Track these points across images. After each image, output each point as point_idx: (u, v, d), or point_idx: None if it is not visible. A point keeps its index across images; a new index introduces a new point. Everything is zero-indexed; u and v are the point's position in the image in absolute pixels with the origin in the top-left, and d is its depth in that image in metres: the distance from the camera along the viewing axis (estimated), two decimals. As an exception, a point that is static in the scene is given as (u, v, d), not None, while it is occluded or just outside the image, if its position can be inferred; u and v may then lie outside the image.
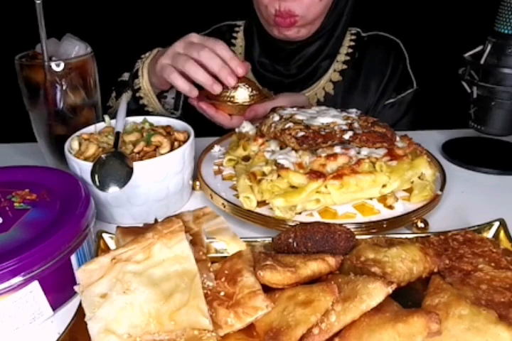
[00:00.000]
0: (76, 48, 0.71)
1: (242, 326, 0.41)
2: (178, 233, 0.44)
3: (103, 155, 0.58)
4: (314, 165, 0.61)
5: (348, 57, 1.04)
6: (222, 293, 0.43)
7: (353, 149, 0.63)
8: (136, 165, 0.58)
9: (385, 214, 0.59)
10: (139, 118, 0.71)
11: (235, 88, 0.80)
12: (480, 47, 0.77)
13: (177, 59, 0.77)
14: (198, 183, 0.70)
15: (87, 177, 0.57)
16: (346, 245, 0.49)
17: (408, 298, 0.44)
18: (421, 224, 0.59)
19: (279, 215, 0.57)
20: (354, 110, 0.72)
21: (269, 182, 0.60)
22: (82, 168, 0.59)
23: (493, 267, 0.45)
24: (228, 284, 0.43)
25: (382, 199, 0.61)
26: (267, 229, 0.58)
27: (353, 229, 0.52)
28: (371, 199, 0.61)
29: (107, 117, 0.71)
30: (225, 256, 0.50)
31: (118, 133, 0.64)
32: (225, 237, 0.52)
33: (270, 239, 0.53)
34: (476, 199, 0.69)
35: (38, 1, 0.64)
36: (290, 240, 0.49)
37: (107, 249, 0.52)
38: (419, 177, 0.65)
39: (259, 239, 0.54)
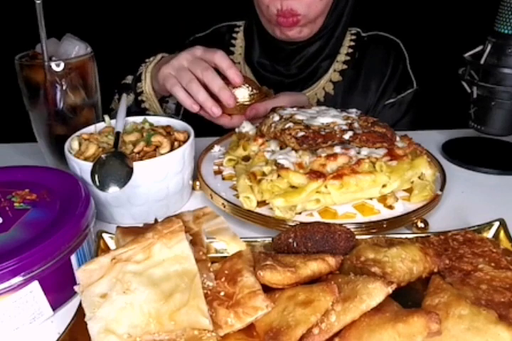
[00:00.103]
0: (76, 48, 0.71)
1: (242, 326, 0.41)
2: (178, 233, 0.44)
3: (103, 155, 0.58)
4: (314, 165, 0.61)
5: (348, 57, 1.04)
6: (222, 293, 0.43)
7: (353, 149, 0.63)
8: (136, 165, 0.58)
9: (385, 214, 0.59)
10: (139, 118, 0.72)
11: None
12: (480, 47, 0.77)
13: (181, 74, 0.78)
14: (198, 183, 0.70)
15: (87, 177, 0.57)
16: (346, 245, 0.49)
17: (408, 298, 0.44)
18: (421, 224, 0.59)
19: (279, 215, 0.57)
20: (354, 110, 0.72)
21: (269, 182, 0.60)
22: (82, 168, 0.59)
23: (493, 267, 0.45)
24: (228, 284, 0.43)
25: (382, 199, 0.61)
26: (267, 229, 0.58)
27: (353, 229, 0.52)
28: (371, 199, 0.61)
29: (107, 117, 0.71)
30: (225, 256, 0.50)
31: (118, 133, 0.64)
32: (225, 237, 0.52)
33: (270, 239, 0.53)
34: (476, 199, 0.69)
35: (38, 1, 0.64)
36: (290, 240, 0.49)
37: (107, 249, 0.52)
38: (419, 177, 0.65)
39: (259, 239, 0.54)
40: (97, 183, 0.56)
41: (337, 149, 0.63)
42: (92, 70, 0.73)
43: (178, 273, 0.42)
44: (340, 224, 0.50)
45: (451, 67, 0.85)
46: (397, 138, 0.67)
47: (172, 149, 0.63)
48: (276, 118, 0.69)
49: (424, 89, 1.08)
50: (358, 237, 0.50)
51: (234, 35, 1.09)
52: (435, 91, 1.41)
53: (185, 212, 0.54)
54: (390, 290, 0.39)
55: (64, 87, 0.69)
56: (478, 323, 0.37)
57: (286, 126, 0.64)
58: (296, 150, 0.64)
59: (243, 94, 0.82)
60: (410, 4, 1.82)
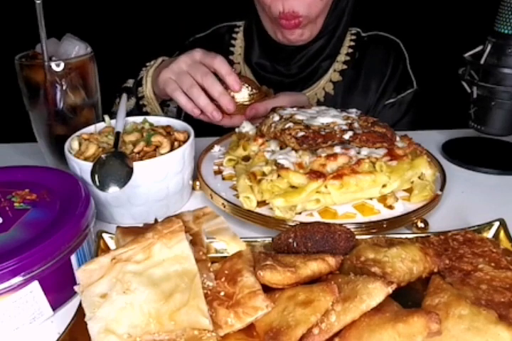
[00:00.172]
0: (76, 48, 0.71)
1: (242, 326, 0.41)
2: (178, 233, 0.44)
3: (103, 155, 0.58)
4: (314, 165, 0.61)
5: (348, 57, 1.04)
6: (222, 293, 0.43)
7: (353, 149, 0.63)
8: (136, 165, 0.58)
9: (385, 214, 0.59)
10: (139, 118, 0.72)
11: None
12: (480, 47, 0.77)
13: (181, 78, 0.79)
14: (198, 183, 0.70)
15: (87, 177, 0.57)
16: (346, 245, 0.49)
17: (408, 298, 0.44)
18: (421, 224, 0.59)
19: (279, 215, 0.57)
20: (354, 110, 0.72)
21: (269, 182, 0.60)
22: (82, 168, 0.59)
23: (493, 267, 0.45)
24: (228, 284, 0.43)
25: (382, 199, 0.61)
26: (267, 229, 0.58)
27: (353, 229, 0.52)
28: (371, 199, 0.61)
29: (107, 117, 0.71)
30: (225, 256, 0.50)
31: (118, 133, 0.64)
32: (225, 237, 0.52)
33: (270, 239, 0.53)
34: (476, 199, 0.69)
35: (38, 1, 0.64)
36: (290, 240, 0.49)
37: (107, 249, 0.52)
38: (419, 177, 0.65)
39: (259, 239, 0.54)
40: (97, 183, 0.56)
41: (337, 149, 0.63)
42: (92, 70, 0.73)
43: (178, 273, 0.42)
44: (340, 224, 0.50)
45: (451, 67, 0.85)
46: (397, 138, 0.67)
47: (172, 149, 0.63)
48: (276, 118, 0.69)
49: (424, 89, 1.08)
50: (358, 237, 0.50)
51: (234, 35, 1.09)
52: (435, 91, 1.41)
53: (185, 212, 0.54)
54: (390, 290, 0.39)
55: (64, 87, 0.69)
56: (478, 323, 0.37)
57: (286, 126, 0.64)
58: (296, 150, 0.64)
59: (243, 94, 0.82)
60: (410, 4, 1.82)
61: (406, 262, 0.45)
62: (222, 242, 0.52)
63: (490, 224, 0.54)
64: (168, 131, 0.67)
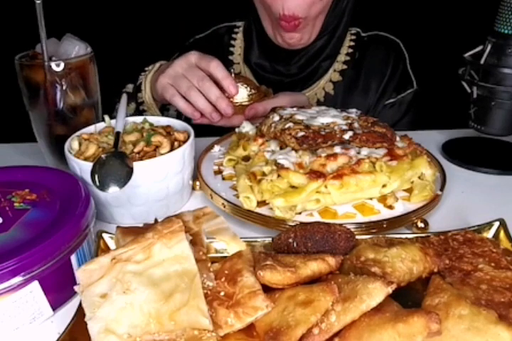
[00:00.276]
0: (76, 48, 0.71)
1: (242, 326, 0.41)
2: (178, 233, 0.44)
3: (103, 155, 0.58)
4: (314, 165, 0.61)
5: (348, 57, 1.04)
6: (222, 293, 0.43)
7: (353, 149, 0.63)
8: (136, 165, 0.58)
9: (385, 214, 0.59)
10: (139, 118, 0.72)
11: None
12: (480, 47, 0.77)
13: (178, 82, 0.79)
14: (198, 183, 0.70)
15: (87, 177, 0.57)
16: (346, 245, 0.49)
17: (408, 298, 0.44)
18: (421, 224, 0.59)
19: (279, 215, 0.57)
20: (354, 110, 0.72)
21: (269, 182, 0.60)
22: (82, 168, 0.59)
23: (493, 267, 0.45)
24: (228, 284, 0.43)
25: (382, 199, 0.61)
26: (267, 229, 0.58)
27: (353, 229, 0.52)
28: (371, 199, 0.61)
29: (107, 117, 0.71)
30: (225, 256, 0.50)
31: (118, 133, 0.64)
32: (225, 237, 0.52)
33: (270, 239, 0.53)
34: (476, 199, 0.69)
35: (38, 1, 0.64)
36: (290, 240, 0.49)
37: (107, 249, 0.52)
38: (419, 177, 0.64)
39: (259, 239, 0.54)
40: (97, 183, 0.56)
41: (337, 149, 0.63)
42: (92, 70, 0.73)
43: (178, 273, 0.42)
44: (340, 224, 0.50)
45: (451, 67, 0.85)
46: (397, 138, 0.67)
47: (172, 149, 0.63)
48: (276, 118, 0.69)
49: (424, 89, 1.08)
50: (358, 237, 0.50)
51: (233, 35, 1.09)
52: (435, 91, 1.41)
53: (185, 212, 0.54)
54: (390, 290, 0.39)
55: (64, 87, 0.69)
56: (478, 323, 0.37)
57: (286, 126, 0.64)
58: (296, 150, 0.64)
59: (242, 94, 0.82)
60: (410, 4, 1.82)
61: (406, 262, 0.45)
62: (222, 242, 0.52)
63: (490, 224, 0.54)
64: (168, 131, 0.67)
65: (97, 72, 0.75)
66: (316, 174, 0.59)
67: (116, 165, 0.57)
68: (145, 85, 0.89)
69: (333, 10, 0.96)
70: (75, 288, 0.43)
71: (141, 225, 0.53)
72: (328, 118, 0.67)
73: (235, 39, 1.08)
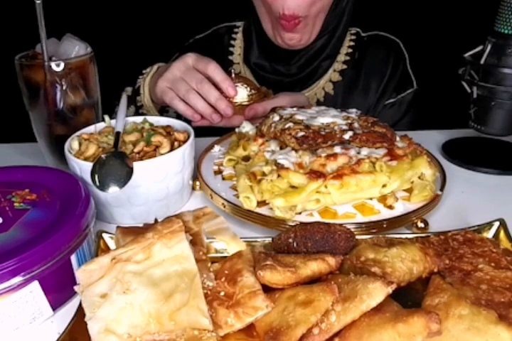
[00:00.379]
0: (76, 48, 0.71)
1: (242, 326, 0.41)
2: (178, 233, 0.44)
3: (103, 155, 0.58)
4: (314, 165, 0.61)
5: (347, 57, 1.04)
6: (222, 293, 0.43)
7: (353, 149, 0.63)
8: (136, 165, 0.58)
9: (385, 214, 0.59)
10: (139, 118, 0.72)
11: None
12: (480, 47, 0.77)
13: (177, 85, 0.80)
14: (198, 183, 0.70)
15: (87, 177, 0.57)
16: (346, 245, 0.49)
17: (408, 298, 0.44)
18: (421, 224, 0.59)
19: (279, 215, 0.57)
20: (354, 110, 0.72)
21: (269, 182, 0.60)
22: (82, 168, 0.59)
23: (493, 267, 0.45)
24: (228, 284, 0.43)
25: (382, 199, 0.61)
26: (267, 229, 0.58)
27: (353, 229, 0.52)
28: (371, 199, 0.61)
29: (107, 117, 0.71)
30: (225, 256, 0.50)
31: (118, 133, 0.64)
32: (225, 237, 0.52)
33: (270, 239, 0.53)
34: (476, 199, 0.69)
35: (38, 1, 0.64)
36: (290, 240, 0.49)
37: (107, 249, 0.52)
38: (419, 177, 0.64)
39: (259, 239, 0.54)
40: (97, 183, 0.56)
41: (337, 149, 0.63)
42: (92, 70, 0.73)
43: (178, 273, 0.42)
44: (340, 224, 0.50)
45: (451, 67, 0.85)
46: (397, 138, 0.67)
47: (172, 149, 0.63)
48: (276, 118, 0.69)
49: (424, 89, 1.08)
50: (358, 237, 0.50)
51: (233, 35, 1.09)
52: (435, 91, 1.41)
53: (185, 212, 0.54)
54: (390, 290, 0.39)
55: (64, 87, 0.69)
56: (478, 323, 0.37)
57: (286, 126, 0.64)
58: (296, 150, 0.64)
59: (242, 94, 0.82)
60: (410, 4, 1.82)
61: (406, 262, 0.45)
62: (222, 242, 0.52)
63: (490, 224, 0.54)
64: (168, 131, 0.67)
65: (97, 72, 0.75)
66: (316, 174, 0.59)
67: (116, 165, 0.57)
68: (143, 88, 0.90)
69: (333, 10, 0.96)
70: (75, 288, 0.43)
71: (141, 225, 0.53)
72: (328, 118, 0.67)
73: (234, 39, 1.08)
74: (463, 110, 0.82)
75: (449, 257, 0.47)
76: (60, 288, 0.48)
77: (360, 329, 0.38)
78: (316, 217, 0.59)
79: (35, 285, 0.45)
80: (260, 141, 0.69)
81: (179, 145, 0.63)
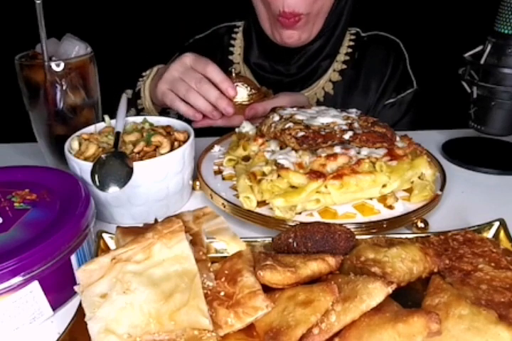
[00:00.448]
0: (76, 48, 0.71)
1: (242, 326, 0.41)
2: (178, 233, 0.44)
3: (103, 155, 0.58)
4: (314, 165, 0.61)
5: (347, 57, 1.04)
6: (222, 293, 0.43)
7: (353, 149, 0.63)
8: (136, 165, 0.58)
9: (385, 214, 0.59)
10: (139, 118, 0.72)
11: None
12: (480, 47, 0.77)
13: (176, 86, 0.80)
14: (198, 183, 0.70)
15: (87, 177, 0.57)
16: (346, 245, 0.49)
17: (408, 298, 0.44)
18: (421, 224, 0.59)
19: (279, 215, 0.57)
20: (354, 110, 0.72)
21: (269, 182, 0.60)
22: (82, 168, 0.59)
23: (493, 267, 0.45)
24: (228, 284, 0.43)
25: (382, 199, 0.61)
26: (267, 229, 0.58)
27: (353, 229, 0.52)
28: (371, 199, 0.61)
29: (107, 117, 0.71)
30: (225, 256, 0.50)
31: (118, 133, 0.64)
32: (225, 237, 0.52)
33: (270, 239, 0.53)
34: (476, 199, 0.69)
35: (38, 1, 0.64)
36: (290, 240, 0.49)
37: (107, 249, 0.52)
38: (419, 177, 0.64)
39: (259, 239, 0.54)
40: (97, 183, 0.56)
41: (337, 149, 0.63)
42: (92, 70, 0.73)
43: (178, 273, 0.42)
44: (340, 224, 0.50)
45: (451, 67, 0.85)
46: (397, 138, 0.67)
47: (172, 149, 0.63)
48: (276, 118, 0.69)
49: (424, 89, 1.08)
50: (358, 237, 0.50)
51: (233, 35, 1.09)
52: (435, 91, 1.41)
53: (185, 212, 0.54)
54: (390, 290, 0.39)
55: (64, 87, 0.69)
56: (478, 323, 0.37)
57: (286, 126, 0.64)
58: (296, 150, 0.64)
59: (242, 94, 0.82)
60: (410, 4, 1.82)
61: (406, 262, 0.45)
62: (222, 242, 0.52)
63: (490, 224, 0.54)
64: (168, 131, 0.67)
65: (97, 72, 0.75)
66: (316, 174, 0.59)
67: (116, 165, 0.57)
68: (144, 92, 0.90)
69: (333, 10, 0.96)
70: (75, 288, 0.43)
71: (141, 225, 0.53)
72: (328, 118, 0.67)
73: (234, 39, 1.08)
74: (463, 110, 0.82)
75: (449, 257, 0.47)
76: (60, 288, 0.48)
77: (360, 329, 0.38)
78: (316, 217, 0.59)
79: (35, 285, 0.45)
80: (260, 141, 0.69)
81: (179, 145, 0.63)
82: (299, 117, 0.67)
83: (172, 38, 1.21)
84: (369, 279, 0.40)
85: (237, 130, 0.77)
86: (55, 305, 0.48)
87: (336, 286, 0.40)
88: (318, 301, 0.40)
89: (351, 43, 1.05)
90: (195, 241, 0.49)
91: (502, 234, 0.53)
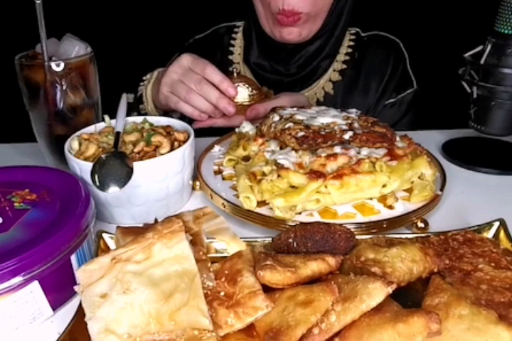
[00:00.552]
0: (76, 48, 0.71)
1: (242, 326, 0.41)
2: (178, 233, 0.44)
3: (103, 155, 0.58)
4: (314, 165, 0.61)
5: (347, 57, 1.04)
6: (222, 293, 0.43)
7: (353, 149, 0.63)
8: (136, 165, 0.58)
9: (385, 214, 0.59)
10: (139, 118, 0.72)
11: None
12: (480, 47, 0.77)
13: (177, 88, 0.81)
14: (198, 183, 0.70)
15: (87, 177, 0.57)
16: (346, 245, 0.49)
17: (408, 298, 0.44)
18: (421, 224, 0.59)
19: (279, 215, 0.57)
20: (354, 110, 0.72)
21: (269, 182, 0.60)
22: (82, 168, 0.59)
23: (493, 267, 0.45)
24: (228, 284, 0.43)
25: (382, 199, 0.61)
26: (267, 229, 0.58)
27: (353, 229, 0.52)
28: (371, 199, 0.61)
29: (107, 117, 0.71)
30: (225, 256, 0.50)
31: (118, 133, 0.64)
32: (225, 237, 0.52)
33: (270, 239, 0.53)
34: (476, 199, 0.69)
35: (38, 1, 0.64)
36: (290, 240, 0.49)
37: (107, 249, 0.52)
38: (419, 177, 0.64)
39: (259, 239, 0.54)
40: (97, 183, 0.56)
41: (337, 149, 0.63)
42: (92, 70, 0.73)
43: (178, 273, 0.42)
44: (340, 224, 0.50)
45: (451, 67, 0.85)
46: (397, 138, 0.67)
47: (172, 149, 0.63)
48: (276, 118, 0.69)
49: (424, 89, 1.08)
50: (358, 237, 0.50)
51: (233, 35, 1.09)
52: (435, 91, 1.41)
53: (185, 212, 0.54)
54: (390, 290, 0.39)
55: (64, 87, 0.69)
56: (478, 323, 0.37)
57: (286, 126, 0.64)
58: (296, 150, 0.64)
59: (243, 94, 0.82)
60: (410, 4, 1.82)
61: (406, 262, 0.45)
62: (222, 242, 0.52)
63: (490, 224, 0.54)
64: (168, 131, 0.67)
65: (97, 72, 0.75)
66: (316, 174, 0.59)
67: (116, 165, 0.57)
68: (146, 98, 0.91)
69: (333, 9, 0.96)
70: (75, 288, 0.43)
71: (141, 225, 0.53)
72: (328, 118, 0.67)
73: (234, 39, 1.08)
74: (463, 110, 0.82)
75: (449, 257, 0.47)
76: (60, 288, 0.48)
77: (360, 329, 0.38)
78: (316, 217, 0.59)
79: (35, 285, 0.45)
80: (260, 141, 0.69)
81: (179, 145, 0.63)
82: (299, 117, 0.67)
83: (172, 38, 1.21)
84: (369, 279, 0.40)
85: (237, 130, 0.77)
86: (55, 305, 0.48)
87: (336, 286, 0.40)
88: (318, 301, 0.40)
89: (351, 43, 1.05)
90: (195, 241, 0.49)
91: (502, 234, 0.53)
